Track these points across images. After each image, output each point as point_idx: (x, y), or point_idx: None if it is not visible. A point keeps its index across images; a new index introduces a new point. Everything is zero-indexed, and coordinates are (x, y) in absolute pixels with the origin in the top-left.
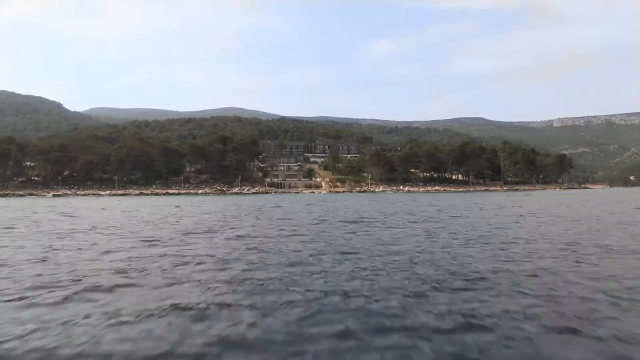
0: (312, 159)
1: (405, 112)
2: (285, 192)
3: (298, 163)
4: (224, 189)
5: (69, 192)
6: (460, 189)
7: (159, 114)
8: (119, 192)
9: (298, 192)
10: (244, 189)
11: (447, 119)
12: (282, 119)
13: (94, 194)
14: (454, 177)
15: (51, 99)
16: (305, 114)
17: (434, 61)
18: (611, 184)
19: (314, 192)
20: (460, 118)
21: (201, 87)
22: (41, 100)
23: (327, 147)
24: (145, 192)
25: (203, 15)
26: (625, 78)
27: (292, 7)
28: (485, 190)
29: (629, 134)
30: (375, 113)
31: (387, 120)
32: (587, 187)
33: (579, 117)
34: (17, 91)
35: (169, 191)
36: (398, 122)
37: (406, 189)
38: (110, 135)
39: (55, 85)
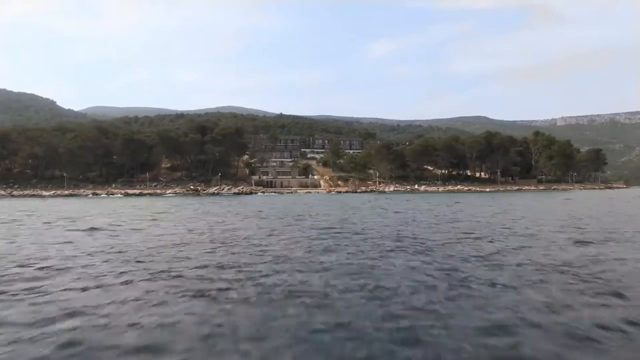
0: (309, 155)
1: (406, 111)
2: (275, 193)
3: (293, 159)
4: (199, 188)
5: (3, 192)
6: (488, 189)
7: (157, 112)
8: (66, 192)
9: (291, 192)
10: (223, 188)
11: (449, 118)
12: (280, 116)
13: (33, 195)
14: (475, 174)
15: (44, 96)
16: (305, 113)
17: (434, 61)
18: (627, 183)
19: (310, 192)
20: (462, 117)
21: (201, 87)
22: (34, 98)
23: (326, 141)
24: (99, 192)
25: (203, 15)
26: (628, 77)
27: (292, 7)
28: (518, 189)
29: (633, 132)
30: (376, 112)
31: (388, 119)
32: (616, 187)
33: (583, 116)
34: (8, 88)
35: (129, 191)
36: (400, 120)
37: (422, 188)
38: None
39: (56, 84)
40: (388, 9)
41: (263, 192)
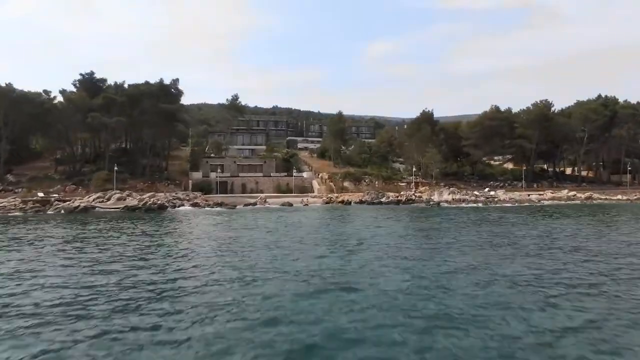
0: (301, 145)
1: (408, 110)
2: (222, 206)
3: (270, 145)
4: (53, 197)
5: None
6: (636, 195)
7: None
8: None
9: (254, 205)
10: (109, 197)
11: (453, 115)
12: (275, 108)
13: None
14: (565, 169)
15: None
16: (304, 110)
17: (434, 60)
18: None
19: (291, 205)
20: (466, 115)
21: (201, 87)
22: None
23: (325, 127)
24: None
25: (203, 15)
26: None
27: (292, 7)
28: None
29: None
30: (378, 110)
31: (391, 117)
32: None
33: None
34: None
35: None
36: (404, 118)
37: (502, 194)
38: None
39: (54, 83)
40: (388, 9)
41: (195, 205)
